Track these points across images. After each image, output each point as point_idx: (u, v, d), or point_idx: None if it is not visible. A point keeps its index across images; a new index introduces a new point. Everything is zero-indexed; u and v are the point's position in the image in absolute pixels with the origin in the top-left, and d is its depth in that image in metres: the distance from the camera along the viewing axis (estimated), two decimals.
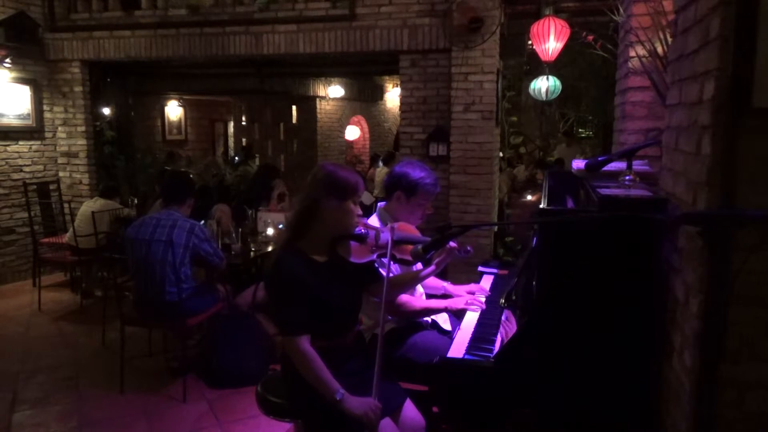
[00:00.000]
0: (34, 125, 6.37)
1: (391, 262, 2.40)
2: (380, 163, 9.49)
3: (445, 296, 2.79)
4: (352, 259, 2.12)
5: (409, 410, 2.13)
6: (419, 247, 1.92)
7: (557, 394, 1.79)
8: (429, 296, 2.79)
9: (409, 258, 2.19)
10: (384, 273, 2.44)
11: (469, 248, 2.26)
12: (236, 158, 11.02)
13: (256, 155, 10.64)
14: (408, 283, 2.40)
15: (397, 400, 2.10)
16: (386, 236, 2.12)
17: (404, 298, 2.49)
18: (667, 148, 1.75)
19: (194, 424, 3.29)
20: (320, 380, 1.94)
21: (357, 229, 2.12)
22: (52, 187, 6.50)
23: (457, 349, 2.10)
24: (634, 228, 1.67)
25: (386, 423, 1.99)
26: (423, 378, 2.24)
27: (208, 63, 7.25)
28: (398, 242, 2.16)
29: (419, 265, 2.40)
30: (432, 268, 2.31)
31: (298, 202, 2.18)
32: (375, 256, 2.18)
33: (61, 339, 4.64)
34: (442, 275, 2.96)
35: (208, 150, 12.44)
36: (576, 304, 1.74)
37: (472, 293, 2.73)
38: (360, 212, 2.10)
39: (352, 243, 2.13)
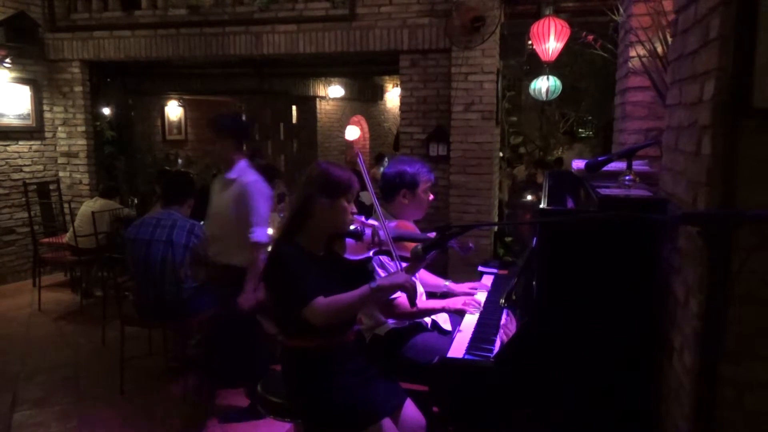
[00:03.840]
0: (34, 125, 6.38)
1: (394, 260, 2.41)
2: (386, 161, 9.49)
3: (446, 295, 2.79)
4: (348, 256, 2.13)
5: (410, 410, 2.13)
6: (419, 247, 1.92)
7: (557, 393, 1.79)
8: (429, 295, 2.79)
9: (409, 255, 2.20)
10: (381, 274, 2.44)
11: (470, 245, 2.26)
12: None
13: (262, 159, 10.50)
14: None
15: (397, 400, 2.10)
16: (384, 233, 2.12)
17: (401, 300, 2.49)
18: (667, 148, 1.75)
19: (194, 424, 3.29)
20: (353, 302, 1.96)
21: (354, 226, 2.13)
22: (52, 187, 6.49)
23: (457, 349, 2.10)
24: (634, 228, 1.67)
25: (386, 423, 1.99)
26: (423, 378, 2.24)
27: (208, 63, 7.24)
28: (397, 239, 2.16)
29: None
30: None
31: (294, 200, 2.19)
32: (371, 253, 2.18)
33: (61, 339, 4.64)
34: (443, 274, 2.96)
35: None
36: (576, 304, 1.74)
37: (474, 290, 2.73)
38: (354, 210, 2.11)
39: (348, 240, 2.14)
